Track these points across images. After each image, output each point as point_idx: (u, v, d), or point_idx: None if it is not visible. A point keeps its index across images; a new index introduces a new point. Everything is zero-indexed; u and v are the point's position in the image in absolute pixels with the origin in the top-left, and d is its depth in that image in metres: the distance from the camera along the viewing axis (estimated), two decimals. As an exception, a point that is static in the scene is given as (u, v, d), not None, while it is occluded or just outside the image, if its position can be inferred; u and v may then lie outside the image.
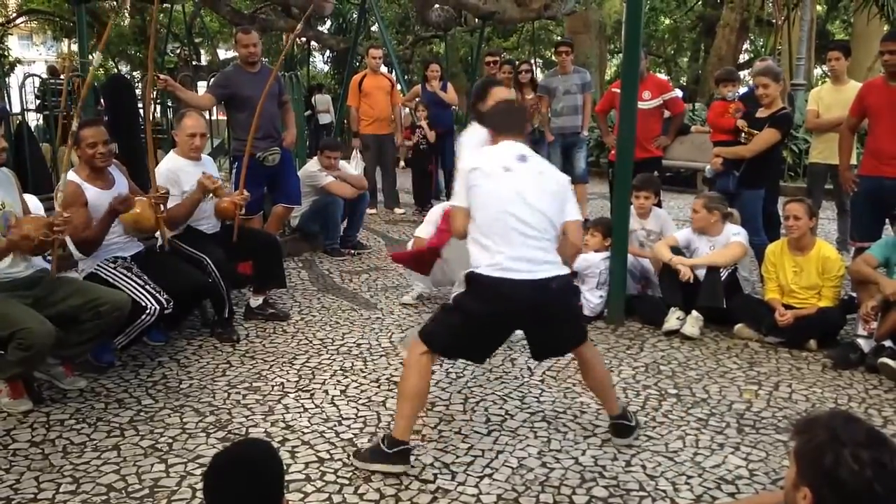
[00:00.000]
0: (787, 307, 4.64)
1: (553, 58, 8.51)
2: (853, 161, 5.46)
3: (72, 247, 4.15)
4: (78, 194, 4.04)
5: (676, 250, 5.00)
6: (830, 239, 6.02)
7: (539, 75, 10.97)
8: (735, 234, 4.97)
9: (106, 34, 5.13)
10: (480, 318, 3.07)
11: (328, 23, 20.04)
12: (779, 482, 3.06)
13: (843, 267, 4.71)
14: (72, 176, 4.06)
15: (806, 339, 4.57)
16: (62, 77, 6.34)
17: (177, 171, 4.67)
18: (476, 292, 3.07)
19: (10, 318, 3.42)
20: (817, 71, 19.30)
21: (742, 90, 6.77)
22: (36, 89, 7.46)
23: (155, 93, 7.19)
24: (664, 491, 3.00)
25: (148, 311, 4.03)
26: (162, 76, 5.35)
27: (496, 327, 3.18)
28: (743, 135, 5.59)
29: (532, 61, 9.69)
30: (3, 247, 3.50)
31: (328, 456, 3.25)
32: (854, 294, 4.75)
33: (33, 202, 4.10)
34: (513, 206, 3.07)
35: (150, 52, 4.90)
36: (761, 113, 5.51)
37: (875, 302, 4.23)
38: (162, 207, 4.36)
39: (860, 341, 4.36)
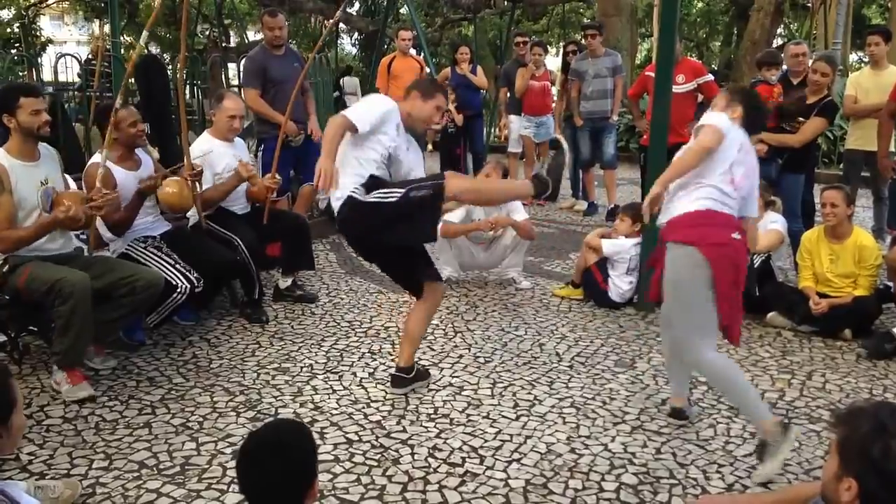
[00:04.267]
0: (822, 295, 4.56)
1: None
2: (892, 148, 5.36)
3: (101, 228, 4.18)
4: (106, 178, 4.06)
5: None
6: (866, 227, 5.91)
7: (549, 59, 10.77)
8: (773, 222, 4.89)
9: (154, 15, 5.16)
10: None
11: (357, 5, 20.02)
12: (812, 472, 3.02)
13: (879, 255, 4.62)
14: (98, 159, 4.06)
15: (840, 329, 4.50)
16: (101, 58, 6.38)
17: (210, 152, 4.69)
18: None
19: (43, 275, 3.46)
20: (853, 56, 18.94)
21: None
22: (79, 71, 7.52)
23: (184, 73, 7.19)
24: (695, 479, 2.97)
25: (179, 290, 4.07)
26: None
27: None
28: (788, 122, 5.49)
29: (545, 44, 9.65)
30: (48, 221, 3.53)
31: (357, 437, 3.26)
32: (890, 283, 4.66)
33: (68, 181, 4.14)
34: None
35: (183, 33, 4.92)
36: (808, 98, 5.41)
37: (913, 292, 4.16)
38: (197, 185, 4.40)
39: (896, 331, 4.29)
